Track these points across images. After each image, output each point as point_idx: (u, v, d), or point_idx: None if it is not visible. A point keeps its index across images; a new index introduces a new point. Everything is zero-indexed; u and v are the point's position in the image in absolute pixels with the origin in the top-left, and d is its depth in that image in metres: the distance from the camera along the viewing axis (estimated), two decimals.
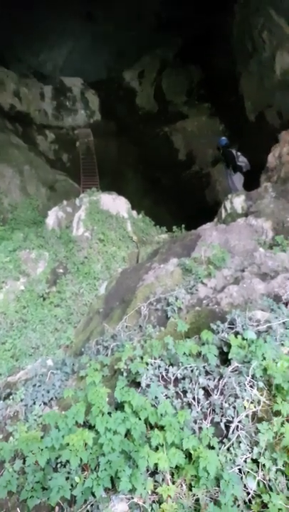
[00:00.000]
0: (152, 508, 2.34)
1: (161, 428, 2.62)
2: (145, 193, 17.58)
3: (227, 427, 2.68)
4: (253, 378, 2.81)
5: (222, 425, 2.70)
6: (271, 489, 2.32)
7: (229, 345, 3.10)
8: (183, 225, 9.30)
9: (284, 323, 3.35)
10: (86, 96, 21.07)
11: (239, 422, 2.63)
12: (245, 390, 2.77)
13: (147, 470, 2.53)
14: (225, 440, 2.61)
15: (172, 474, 2.52)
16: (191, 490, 2.41)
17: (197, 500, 2.36)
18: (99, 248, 8.85)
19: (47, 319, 7.33)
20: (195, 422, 2.77)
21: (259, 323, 3.40)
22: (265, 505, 2.25)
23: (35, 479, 2.67)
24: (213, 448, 2.51)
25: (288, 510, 2.20)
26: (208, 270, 4.88)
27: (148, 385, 3.03)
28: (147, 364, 3.20)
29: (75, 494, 2.48)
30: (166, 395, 2.97)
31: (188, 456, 2.50)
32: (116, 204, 9.98)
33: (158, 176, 18.59)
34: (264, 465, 2.40)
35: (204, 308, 4.13)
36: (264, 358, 2.85)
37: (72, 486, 2.52)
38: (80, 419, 2.72)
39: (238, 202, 8.07)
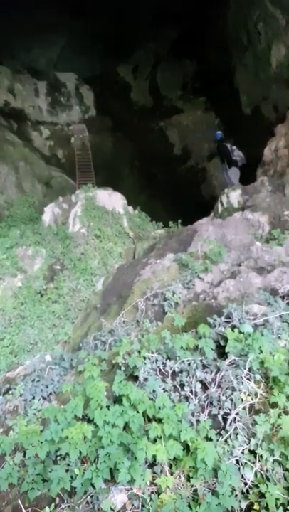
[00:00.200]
0: (151, 499, 2.38)
1: (159, 421, 2.65)
2: (141, 188, 17.57)
3: (224, 419, 2.72)
4: (250, 371, 2.85)
5: (219, 417, 2.74)
6: (268, 479, 2.36)
7: (226, 339, 3.13)
8: (179, 220, 9.32)
9: (281, 316, 3.39)
10: (81, 91, 20.96)
11: (236, 414, 2.67)
12: (242, 382, 2.80)
13: (146, 462, 2.56)
14: (222, 432, 2.65)
15: (170, 466, 2.55)
16: (189, 481, 2.45)
17: (195, 490, 2.40)
18: (95, 244, 8.86)
19: (45, 315, 7.35)
20: (193, 414, 2.80)
21: (256, 316, 3.43)
22: (262, 495, 2.28)
23: (35, 471, 2.70)
24: (210, 440, 2.54)
25: (285, 500, 2.24)
26: (204, 265, 4.90)
27: (146, 379, 3.06)
28: (145, 358, 3.23)
29: (74, 486, 2.52)
30: (163, 389, 3.00)
31: (186, 448, 2.54)
32: (112, 200, 9.98)
33: (154, 171, 18.56)
34: (261, 456, 2.43)
35: (201, 303, 4.16)
36: (261, 351, 2.89)
37: (72, 477, 2.55)
38: (78, 412, 2.75)
39: (234, 196, 8.09)
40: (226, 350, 3.05)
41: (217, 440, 2.58)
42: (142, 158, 19.03)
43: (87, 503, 2.53)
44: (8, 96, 18.69)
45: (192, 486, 2.42)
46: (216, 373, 2.96)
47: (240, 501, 2.33)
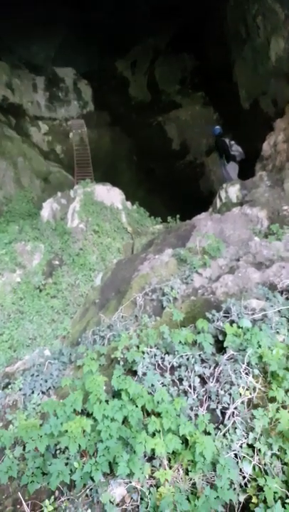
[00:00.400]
0: (150, 492, 2.40)
1: (158, 415, 2.66)
2: (139, 183, 17.53)
3: (223, 414, 2.73)
4: (248, 366, 2.86)
5: (218, 412, 2.75)
6: (267, 473, 2.38)
7: (224, 334, 3.13)
8: (178, 216, 9.31)
9: (279, 311, 3.39)
10: (79, 86, 20.86)
11: (235, 408, 2.68)
12: (240, 377, 2.82)
13: (145, 455, 2.58)
14: (221, 426, 2.66)
15: (169, 459, 2.57)
16: (187, 474, 2.47)
17: (194, 484, 2.42)
18: (94, 239, 8.86)
19: (44, 310, 7.36)
20: (191, 408, 2.82)
21: (254, 311, 3.44)
22: (260, 489, 2.30)
23: (35, 465, 2.72)
24: (209, 434, 2.56)
25: (283, 494, 2.25)
26: (203, 260, 4.90)
27: (144, 374, 3.07)
28: (143, 353, 3.24)
29: (74, 479, 2.54)
30: (162, 383, 3.01)
31: (185, 441, 2.55)
32: (110, 195, 9.96)
33: (152, 166, 18.51)
34: (259, 450, 2.45)
35: (199, 298, 4.17)
36: (259, 346, 2.90)
37: (71, 471, 2.57)
38: (78, 407, 2.76)
39: (232, 191, 8.08)
40: (225, 344, 3.06)
41: (215, 434, 2.59)
42: (140, 154, 18.97)
43: (87, 496, 2.54)
44: (6, 91, 18.59)
45: (191, 479, 2.44)
46: (215, 368, 2.97)
47: (238, 494, 2.35)
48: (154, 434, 2.57)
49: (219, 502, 2.26)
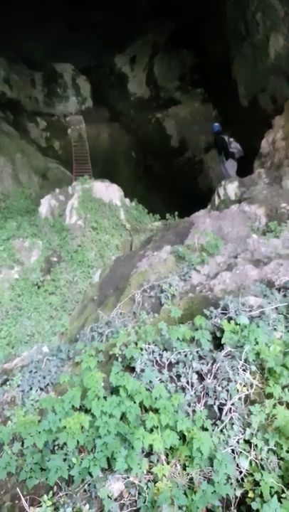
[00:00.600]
0: (148, 487, 2.42)
1: (156, 411, 2.68)
2: (138, 180, 17.52)
3: (220, 410, 2.75)
4: (245, 362, 2.87)
5: (215, 408, 2.77)
6: (263, 468, 2.40)
7: (222, 331, 3.15)
8: (176, 213, 9.32)
9: (276, 308, 3.41)
10: (77, 82, 20.78)
11: (232, 404, 2.70)
12: (238, 373, 2.83)
13: (142, 451, 2.59)
14: (218, 422, 2.68)
15: (167, 455, 2.59)
16: (185, 469, 2.49)
17: (191, 479, 2.44)
18: (92, 236, 8.86)
19: (42, 307, 7.38)
20: (189, 405, 2.83)
21: (252, 308, 3.45)
22: (257, 484, 2.32)
23: (33, 460, 2.74)
24: (206, 429, 2.57)
25: (279, 488, 2.28)
26: (201, 257, 4.92)
27: (142, 370, 3.09)
28: (141, 349, 3.25)
29: (72, 474, 2.55)
30: (160, 379, 3.02)
31: (183, 437, 2.57)
32: (109, 192, 9.95)
33: (150, 163, 18.49)
34: (256, 445, 2.47)
35: (197, 295, 4.18)
36: (257, 343, 2.91)
37: (69, 466, 2.58)
38: (76, 403, 2.78)
39: (231, 188, 8.08)
40: (222, 341, 3.08)
41: (213, 430, 2.61)
42: (139, 150, 18.95)
43: (85, 491, 2.56)
44: (4, 86, 18.52)
45: (188, 474, 2.46)
46: (212, 364, 2.98)
47: (235, 489, 2.37)
48: (151, 430, 2.58)
49: (216, 496, 2.28)
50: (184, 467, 2.50)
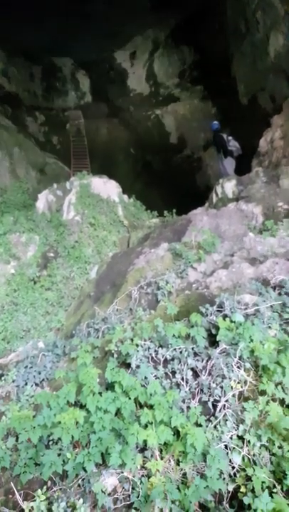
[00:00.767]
0: (141, 482, 2.44)
1: (151, 407, 2.69)
2: (136, 176, 17.50)
3: (214, 406, 2.77)
4: (240, 359, 2.89)
5: (209, 404, 2.79)
6: (255, 463, 2.42)
7: (217, 328, 3.17)
8: (174, 210, 9.33)
9: (271, 306, 3.43)
10: (76, 77, 20.68)
11: (226, 401, 2.72)
12: (232, 370, 2.85)
13: (137, 446, 2.62)
14: (212, 418, 2.70)
15: (161, 450, 2.61)
16: (178, 465, 2.51)
17: (184, 474, 2.46)
18: (90, 232, 8.85)
19: (38, 302, 7.37)
20: (183, 401, 2.85)
21: (247, 306, 3.48)
22: (249, 479, 2.35)
23: (27, 455, 2.75)
24: (200, 425, 2.60)
25: (271, 483, 2.31)
26: (198, 255, 4.93)
27: (138, 366, 3.10)
28: (137, 346, 3.27)
29: (66, 469, 2.57)
30: (155, 376, 3.04)
31: (177, 433, 2.59)
32: (107, 188, 9.93)
33: (149, 160, 18.47)
34: (249, 441, 2.50)
35: (194, 292, 4.20)
36: (251, 340, 2.93)
37: (64, 461, 2.60)
38: (71, 398, 2.79)
39: (229, 187, 8.10)
40: (217, 338, 3.10)
41: (206, 426, 2.63)
42: (137, 146, 18.91)
43: (79, 485, 2.58)
44: (2, 80, 18.40)
45: (181, 469, 2.48)
46: (207, 361, 3.00)
47: (227, 484, 2.40)
48: (146, 426, 2.60)
49: (209, 491, 2.30)
50: (178, 462, 2.53)
